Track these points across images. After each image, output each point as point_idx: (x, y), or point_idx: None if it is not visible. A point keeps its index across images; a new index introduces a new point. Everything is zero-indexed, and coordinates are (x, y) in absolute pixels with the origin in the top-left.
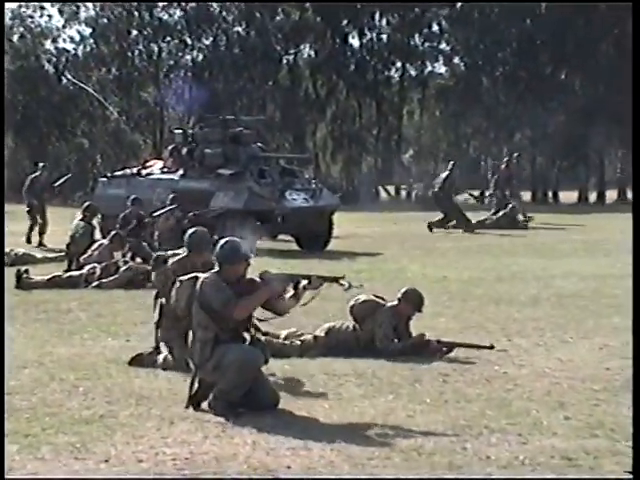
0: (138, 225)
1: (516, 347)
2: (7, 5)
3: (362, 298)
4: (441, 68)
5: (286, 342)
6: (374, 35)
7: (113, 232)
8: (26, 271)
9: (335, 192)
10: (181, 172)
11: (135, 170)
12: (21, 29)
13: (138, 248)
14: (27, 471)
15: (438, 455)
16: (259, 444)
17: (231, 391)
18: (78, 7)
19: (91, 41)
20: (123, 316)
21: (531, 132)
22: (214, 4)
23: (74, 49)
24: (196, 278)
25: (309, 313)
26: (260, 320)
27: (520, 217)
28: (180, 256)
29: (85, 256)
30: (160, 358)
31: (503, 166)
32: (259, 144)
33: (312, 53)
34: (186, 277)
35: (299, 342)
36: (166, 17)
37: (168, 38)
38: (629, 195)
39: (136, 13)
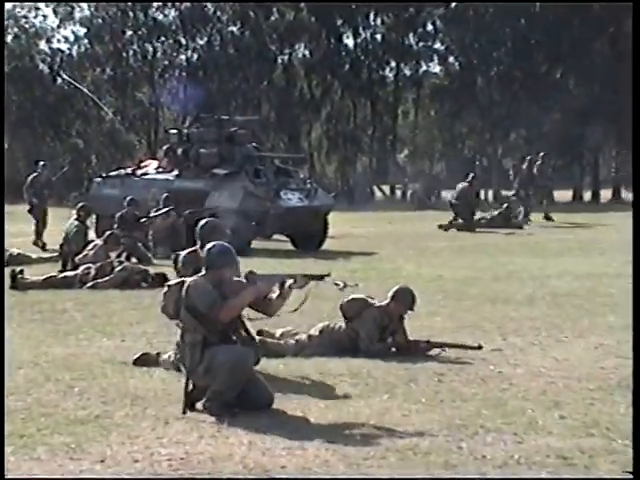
0: (135, 226)
1: (511, 346)
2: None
3: (351, 297)
4: (436, 68)
5: (280, 341)
6: (369, 35)
7: (108, 232)
8: (21, 271)
9: (330, 192)
10: (176, 172)
11: (130, 170)
12: (15, 29)
13: (133, 248)
14: (22, 472)
15: (434, 454)
16: (255, 444)
17: (225, 392)
18: (73, 7)
19: (86, 41)
20: (118, 316)
21: (526, 131)
22: (209, 4)
23: (69, 49)
24: (183, 283)
25: (303, 312)
26: (250, 319)
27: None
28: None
29: (80, 256)
30: (164, 357)
31: (524, 165)
32: (254, 144)
33: (307, 53)
34: (174, 282)
35: (293, 341)
36: (161, 17)
37: (163, 38)
38: (623, 194)
39: (131, 13)
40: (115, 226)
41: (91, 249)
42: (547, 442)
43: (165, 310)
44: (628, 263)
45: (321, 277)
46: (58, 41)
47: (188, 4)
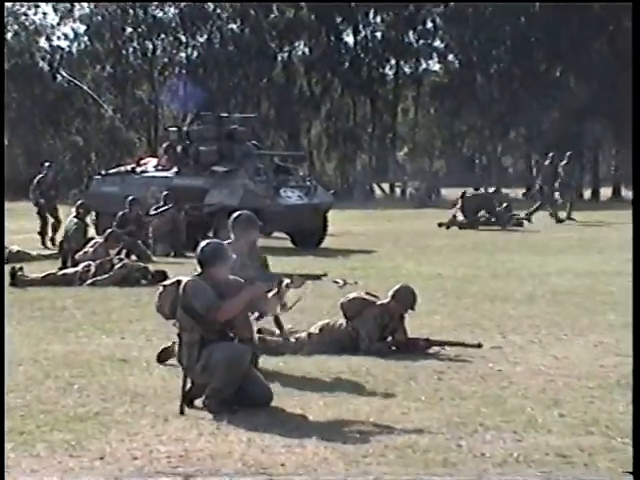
0: (137, 226)
1: (511, 344)
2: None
3: (351, 295)
4: (435, 65)
5: (280, 339)
6: (368, 32)
7: (109, 230)
8: (21, 269)
9: (329, 190)
10: (176, 169)
11: (130, 168)
12: (15, 27)
13: (133, 246)
14: (22, 468)
15: (433, 452)
16: (254, 441)
17: (223, 389)
18: (72, 4)
19: (85, 39)
20: (118, 314)
21: (525, 129)
22: (209, 1)
23: (68, 47)
24: (178, 282)
25: (304, 310)
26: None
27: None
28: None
29: (80, 254)
30: None
31: (547, 162)
32: (254, 142)
33: (307, 50)
34: (169, 282)
35: (293, 339)
36: (161, 14)
37: (163, 36)
38: (623, 192)
39: (131, 10)
40: (115, 224)
41: (91, 246)
42: (546, 440)
43: (161, 310)
44: (628, 261)
45: (318, 277)
46: (58, 38)
47: (188, 2)
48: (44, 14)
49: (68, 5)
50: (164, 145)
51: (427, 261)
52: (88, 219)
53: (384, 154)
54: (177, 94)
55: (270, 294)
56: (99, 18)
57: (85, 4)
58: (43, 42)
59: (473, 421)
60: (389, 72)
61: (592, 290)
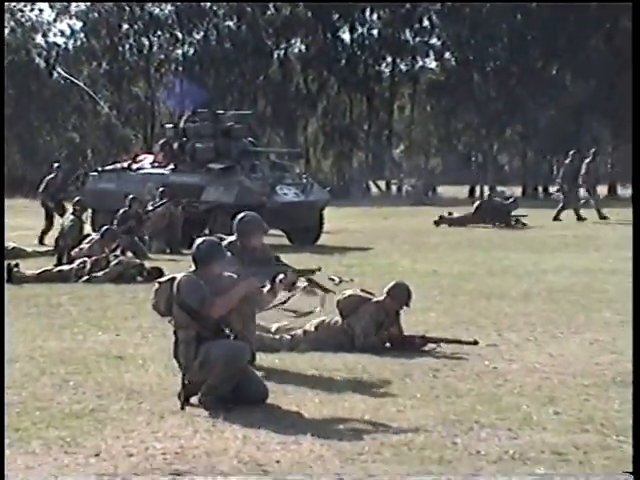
0: (136, 224)
1: (507, 342)
2: None
3: (347, 293)
4: (432, 63)
5: (276, 336)
6: (365, 30)
7: (105, 227)
8: (16, 265)
9: (325, 187)
10: (172, 166)
11: (126, 164)
12: (11, 23)
13: (130, 243)
14: (17, 465)
15: (428, 450)
16: (249, 438)
17: (219, 386)
18: (69, 1)
19: (82, 35)
20: (113, 310)
21: (522, 127)
22: None
23: (65, 43)
24: (173, 279)
25: (300, 308)
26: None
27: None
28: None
29: (76, 250)
30: None
31: (567, 160)
32: (250, 139)
33: (303, 48)
34: (164, 279)
35: (289, 336)
36: (157, 11)
37: (159, 32)
38: (619, 191)
39: (127, 7)
40: (115, 222)
41: (87, 243)
42: (542, 438)
43: (156, 307)
44: (624, 259)
45: (312, 272)
46: (54, 35)
47: None
48: (40, 11)
49: (64, 2)
50: (160, 142)
51: (423, 258)
52: (84, 216)
53: (380, 151)
54: (173, 91)
55: (265, 290)
56: (95, 15)
57: (81, 1)
58: (39, 39)
59: (468, 419)
60: (385, 70)
61: (588, 288)
